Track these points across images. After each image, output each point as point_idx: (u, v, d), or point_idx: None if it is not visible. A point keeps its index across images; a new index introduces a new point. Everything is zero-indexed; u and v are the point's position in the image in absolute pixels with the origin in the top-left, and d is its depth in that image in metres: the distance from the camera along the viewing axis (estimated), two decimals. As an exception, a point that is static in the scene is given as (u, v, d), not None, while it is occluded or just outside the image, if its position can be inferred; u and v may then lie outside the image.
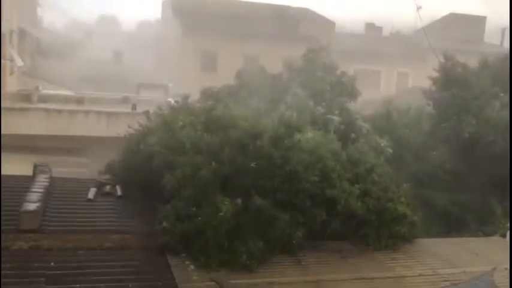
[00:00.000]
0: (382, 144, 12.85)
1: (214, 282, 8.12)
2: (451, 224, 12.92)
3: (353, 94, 15.94)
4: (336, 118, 13.37)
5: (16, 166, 12.34)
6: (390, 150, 12.79)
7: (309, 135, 10.82)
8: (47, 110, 17.72)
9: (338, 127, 13.03)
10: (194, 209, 9.04)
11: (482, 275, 9.14)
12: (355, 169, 10.82)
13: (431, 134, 15.30)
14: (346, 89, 15.82)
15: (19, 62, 23.69)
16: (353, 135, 13.08)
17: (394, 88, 37.50)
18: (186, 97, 13.63)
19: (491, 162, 13.68)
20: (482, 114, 14.55)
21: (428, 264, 9.61)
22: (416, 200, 11.39)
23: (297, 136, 10.44)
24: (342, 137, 12.42)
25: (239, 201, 9.00)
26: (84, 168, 14.66)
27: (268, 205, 9.15)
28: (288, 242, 9.36)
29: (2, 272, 7.53)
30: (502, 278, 8.82)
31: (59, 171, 11.80)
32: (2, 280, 7.26)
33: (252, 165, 9.52)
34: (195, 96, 14.98)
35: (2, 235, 8.40)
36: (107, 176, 11.82)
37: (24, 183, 10.52)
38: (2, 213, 9.06)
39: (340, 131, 12.95)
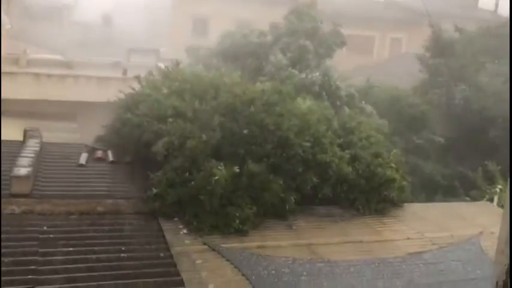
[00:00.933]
0: (368, 110, 12.87)
1: (206, 246, 8.23)
2: (440, 189, 13.14)
3: (340, 43, 15.52)
4: (318, 81, 13.26)
5: (5, 131, 12.23)
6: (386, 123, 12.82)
7: (301, 101, 10.79)
8: (36, 75, 17.43)
9: (320, 92, 12.97)
10: (187, 175, 9.07)
11: (470, 239, 9.36)
12: (348, 136, 10.89)
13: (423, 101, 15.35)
14: (333, 42, 15.40)
15: (7, 25, 23.12)
16: (338, 102, 13.08)
17: (387, 54, 37.22)
18: (177, 62, 13.44)
19: (482, 128, 13.80)
20: (474, 81, 14.57)
21: (417, 228, 9.80)
22: (406, 165, 11.51)
23: (289, 102, 10.42)
24: (333, 103, 12.43)
25: (235, 167, 9.03)
26: (74, 134, 14.58)
27: (262, 170, 9.21)
28: (280, 207, 9.47)
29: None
30: (489, 241, 9.02)
31: (49, 136, 11.72)
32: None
33: (245, 131, 9.52)
34: (186, 61, 14.79)
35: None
36: (98, 142, 11.79)
37: (15, 148, 10.45)
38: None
39: (323, 96, 12.91)
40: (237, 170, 9.02)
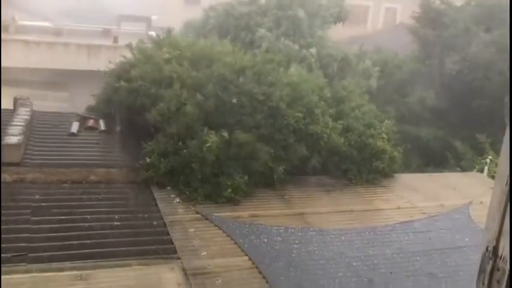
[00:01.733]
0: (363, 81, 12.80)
1: (199, 215, 8.28)
2: (431, 160, 13.24)
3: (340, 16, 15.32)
4: (313, 53, 13.12)
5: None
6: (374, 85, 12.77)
7: (293, 71, 10.71)
8: (25, 42, 17.11)
9: (312, 62, 12.83)
10: (180, 143, 9.05)
11: (459, 208, 9.50)
12: (340, 106, 10.88)
13: (415, 71, 15.31)
14: (330, 14, 15.17)
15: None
16: (330, 70, 12.98)
17: (381, 24, 36.84)
18: (169, 30, 13.22)
19: (472, 98, 13.82)
20: (466, 51, 14.51)
21: (407, 198, 9.92)
22: (398, 135, 11.57)
23: (281, 72, 10.32)
24: (326, 73, 12.34)
25: (225, 133, 9.01)
26: (65, 103, 14.42)
27: (250, 139, 9.19)
28: (270, 177, 9.51)
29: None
30: (478, 211, 9.16)
31: (39, 105, 11.60)
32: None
33: (234, 101, 9.44)
34: (178, 29, 14.53)
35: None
36: (90, 111, 11.70)
37: (5, 116, 10.32)
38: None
39: (316, 66, 12.80)
40: (227, 137, 9.01)
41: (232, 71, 9.81)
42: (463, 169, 12.55)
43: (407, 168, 11.95)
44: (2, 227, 6.98)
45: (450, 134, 13.73)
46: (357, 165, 10.50)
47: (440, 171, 12.28)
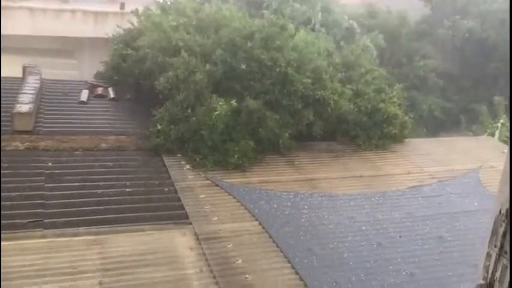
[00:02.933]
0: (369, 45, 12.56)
1: (210, 181, 8.36)
2: (442, 125, 13.15)
3: None
4: (319, 18, 12.84)
5: (4, 68, 12.06)
6: (375, 51, 12.52)
7: (301, 35, 10.52)
8: (30, 9, 16.92)
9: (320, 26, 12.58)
10: (189, 111, 9.05)
11: (469, 173, 9.49)
12: (348, 71, 10.74)
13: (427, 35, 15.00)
14: None
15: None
16: (339, 36, 12.74)
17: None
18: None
19: (484, 60, 13.58)
20: (478, 12, 14.15)
21: (417, 163, 9.91)
22: (409, 101, 11.47)
23: (287, 35, 10.15)
24: (335, 38, 12.13)
25: (234, 102, 8.99)
26: (74, 71, 14.40)
27: (260, 106, 9.16)
28: (277, 142, 9.47)
29: (1, 171, 7.70)
30: (488, 175, 9.15)
31: (48, 73, 11.59)
32: (2, 179, 7.42)
33: (243, 67, 9.36)
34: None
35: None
36: (98, 79, 11.70)
37: (15, 85, 10.37)
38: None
39: (324, 30, 12.56)
40: (236, 104, 8.98)
41: (240, 37, 9.68)
42: (475, 134, 12.46)
43: (418, 134, 11.89)
44: (16, 193, 7.13)
45: (463, 98, 13.57)
46: (366, 131, 10.46)
47: (452, 136, 12.21)
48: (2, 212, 6.60)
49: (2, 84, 10.22)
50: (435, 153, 10.46)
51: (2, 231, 6.14)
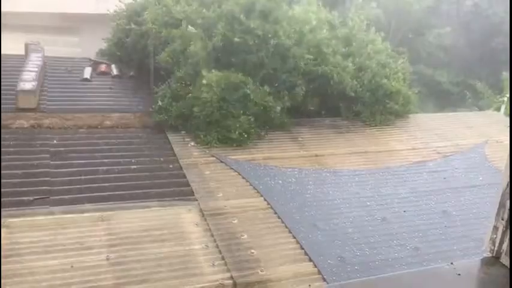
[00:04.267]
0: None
1: (214, 158, 8.37)
2: (448, 99, 13.06)
3: None
4: None
5: (6, 45, 12.00)
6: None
7: (302, 6, 10.34)
8: (31, -14, 16.73)
9: None
10: (190, 88, 8.98)
11: (474, 147, 9.46)
12: (350, 44, 10.57)
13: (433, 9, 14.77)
14: None
15: None
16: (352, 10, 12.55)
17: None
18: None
19: (490, 35, 13.40)
20: None
21: (422, 138, 9.88)
22: (415, 75, 11.35)
23: (288, 8, 9.98)
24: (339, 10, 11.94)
25: (219, 72, 8.84)
26: (75, 48, 14.30)
27: (245, 79, 9.02)
28: (274, 118, 9.34)
29: (6, 149, 7.73)
30: (493, 149, 9.12)
31: (51, 50, 11.52)
32: (7, 157, 7.47)
33: (236, 39, 9.20)
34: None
35: (2, 114, 8.47)
36: (101, 56, 11.63)
37: (17, 62, 10.33)
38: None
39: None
40: (220, 73, 8.81)
41: (239, 9, 9.51)
42: (481, 109, 12.38)
43: (423, 109, 11.82)
44: (22, 171, 7.17)
45: (469, 74, 13.44)
46: (369, 107, 10.39)
47: (457, 111, 12.14)
48: (9, 190, 6.65)
49: (4, 62, 10.20)
50: (440, 129, 10.41)
51: (9, 208, 6.21)
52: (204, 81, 8.62)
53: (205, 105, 8.69)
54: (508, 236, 2.04)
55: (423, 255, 5.96)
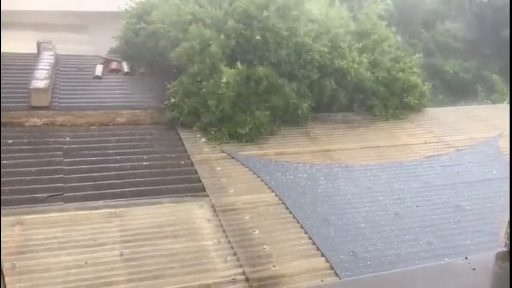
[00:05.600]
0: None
1: (225, 154, 8.38)
2: (460, 93, 12.92)
3: None
4: None
5: (18, 44, 12.11)
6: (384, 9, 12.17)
7: (318, 4, 10.33)
8: (42, -15, 16.84)
9: None
10: (203, 83, 9.00)
11: (487, 141, 9.35)
12: (365, 39, 10.56)
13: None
14: None
15: None
16: (364, 5, 12.45)
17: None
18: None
19: (503, 27, 13.22)
20: None
21: (435, 132, 9.80)
22: (426, 69, 11.25)
23: (306, 6, 9.99)
24: (350, 7, 11.88)
25: (239, 66, 8.87)
26: (86, 46, 14.38)
27: (271, 73, 9.06)
28: (294, 113, 9.45)
29: (20, 146, 7.82)
30: (507, 143, 9.01)
31: (62, 49, 11.59)
32: (21, 154, 7.55)
33: (257, 37, 9.24)
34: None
35: (14, 112, 8.57)
36: (112, 53, 11.68)
37: (30, 60, 10.43)
38: (11, 91, 9.15)
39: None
40: (243, 70, 8.85)
41: (255, 6, 9.51)
42: (494, 102, 12.23)
43: (436, 103, 11.71)
44: (36, 168, 7.25)
45: (481, 66, 13.27)
46: (384, 101, 10.35)
47: (470, 105, 12.01)
48: (23, 187, 6.74)
49: (17, 61, 10.30)
50: (453, 122, 10.32)
51: (23, 205, 6.28)
52: (224, 79, 8.61)
53: (221, 101, 8.70)
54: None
55: (436, 250, 5.91)
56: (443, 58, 13.63)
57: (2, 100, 8.79)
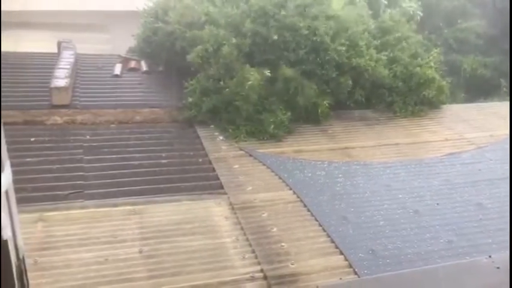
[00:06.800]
0: (412, 9, 12.16)
1: (243, 152, 8.39)
2: (481, 90, 12.70)
3: None
4: None
5: (39, 44, 12.31)
6: (420, 14, 12.12)
7: (337, 2, 10.27)
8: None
9: None
10: (222, 83, 9.03)
11: (509, 138, 9.17)
12: (385, 37, 10.46)
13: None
14: None
15: None
16: (384, 1, 12.33)
17: None
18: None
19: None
20: None
21: (455, 129, 9.66)
22: (447, 65, 11.09)
23: (325, 4, 9.94)
24: (372, 4, 11.76)
25: (267, 71, 8.91)
26: (106, 45, 14.53)
27: (295, 75, 9.07)
28: (313, 112, 9.44)
29: (42, 144, 7.96)
30: (530, 140, 8.83)
31: (82, 48, 11.74)
32: (43, 152, 7.68)
33: (275, 37, 9.21)
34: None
35: (36, 111, 8.73)
36: (131, 52, 11.80)
37: (50, 60, 10.59)
38: (33, 90, 9.31)
39: None
40: (269, 74, 8.90)
41: (272, 4, 9.48)
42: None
43: (456, 100, 11.54)
44: (57, 166, 7.36)
45: (503, 63, 13.00)
46: (402, 97, 10.24)
47: (491, 101, 11.80)
48: (44, 184, 6.85)
49: (38, 60, 10.47)
50: (474, 119, 10.16)
51: (45, 203, 6.39)
52: (250, 82, 8.62)
53: (246, 101, 8.71)
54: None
55: (457, 249, 5.83)
56: (464, 54, 13.39)
57: (24, 99, 8.98)
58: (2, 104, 7.93)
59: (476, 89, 12.74)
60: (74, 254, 5.43)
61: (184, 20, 9.82)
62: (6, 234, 1.39)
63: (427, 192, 7.25)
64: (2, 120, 1.62)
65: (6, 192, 1.45)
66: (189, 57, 9.27)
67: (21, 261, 1.64)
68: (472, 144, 9.00)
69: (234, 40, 9.13)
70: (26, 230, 5.62)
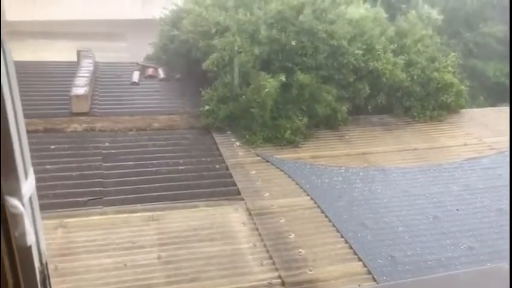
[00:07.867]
0: (432, 14, 12.06)
1: (260, 158, 8.40)
2: (501, 94, 12.51)
3: None
4: None
5: (59, 53, 12.53)
6: (439, 17, 12.01)
7: (355, 7, 10.25)
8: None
9: None
10: (239, 90, 9.07)
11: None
12: (402, 40, 10.40)
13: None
14: None
15: None
16: (403, 6, 12.26)
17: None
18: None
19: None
20: None
21: (474, 134, 9.53)
22: (466, 70, 10.96)
23: (342, 8, 9.93)
24: (390, 7, 11.71)
25: (283, 77, 8.92)
26: (123, 53, 14.74)
27: (312, 81, 9.06)
28: (332, 117, 9.41)
29: (62, 152, 8.08)
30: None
31: (100, 56, 11.93)
32: (63, 159, 7.80)
33: (293, 43, 9.21)
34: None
35: (56, 119, 8.88)
36: (148, 60, 11.94)
37: (70, 69, 10.77)
38: (53, 98, 9.47)
39: (390, 1, 12.13)
40: (284, 80, 8.90)
41: (289, 9, 9.49)
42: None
43: (475, 103, 11.39)
44: (76, 173, 7.46)
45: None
46: (420, 102, 10.15)
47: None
48: (65, 191, 6.95)
49: (58, 69, 10.65)
50: (494, 124, 10.01)
51: (65, 209, 6.48)
52: (266, 90, 8.66)
53: (263, 108, 8.75)
54: None
55: (478, 255, 5.74)
56: (485, 59, 13.21)
57: (45, 107, 9.15)
58: (24, 112, 8.07)
59: (496, 93, 12.56)
60: (94, 260, 5.49)
61: (197, 30, 9.88)
62: (31, 240, 1.42)
63: (447, 198, 7.16)
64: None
65: (30, 199, 1.48)
66: (204, 65, 9.32)
67: (44, 266, 1.67)
68: (492, 149, 8.87)
69: (250, 48, 9.15)
70: (47, 236, 5.67)
